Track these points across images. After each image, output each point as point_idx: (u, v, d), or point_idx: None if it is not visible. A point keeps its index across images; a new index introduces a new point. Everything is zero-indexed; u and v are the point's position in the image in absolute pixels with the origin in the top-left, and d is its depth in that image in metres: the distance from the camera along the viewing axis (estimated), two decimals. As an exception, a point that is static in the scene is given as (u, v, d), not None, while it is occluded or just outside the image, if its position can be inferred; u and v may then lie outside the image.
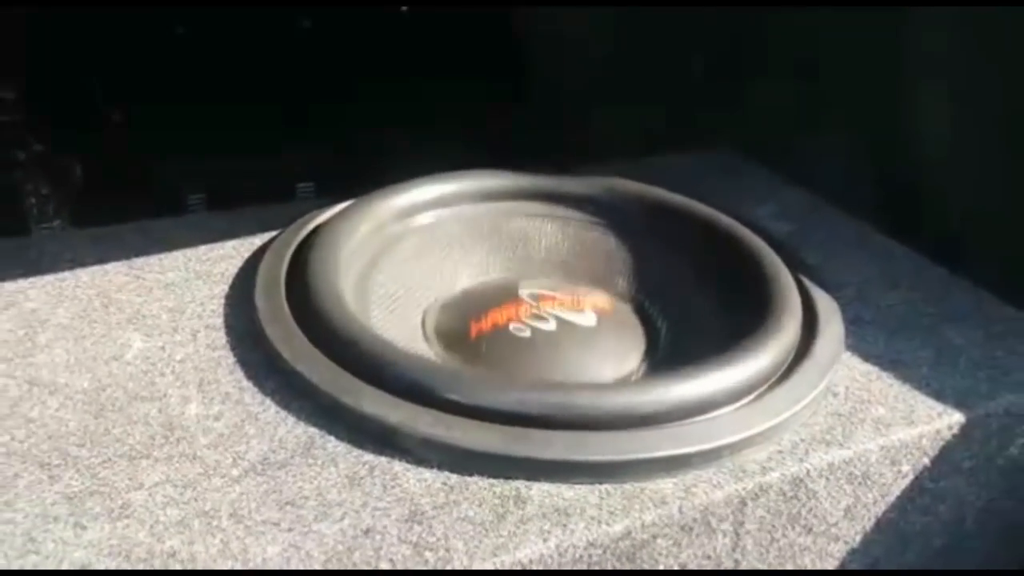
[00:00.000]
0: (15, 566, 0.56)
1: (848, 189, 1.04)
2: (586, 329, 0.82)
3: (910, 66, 0.97)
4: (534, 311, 0.82)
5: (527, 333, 0.80)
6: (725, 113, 1.19)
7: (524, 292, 0.85)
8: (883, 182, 1.03)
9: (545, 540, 0.60)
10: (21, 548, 0.57)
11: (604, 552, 0.61)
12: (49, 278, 0.84)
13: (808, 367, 0.74)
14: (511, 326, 0.81)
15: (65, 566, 0.56)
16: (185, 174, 1.36)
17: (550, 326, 0.81)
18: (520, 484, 0.64)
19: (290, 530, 0.59)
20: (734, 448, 0.66)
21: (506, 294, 0.85)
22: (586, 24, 1.34)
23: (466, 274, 0.89)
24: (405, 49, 1.42)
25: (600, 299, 0.86)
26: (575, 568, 0.60)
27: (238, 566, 0.57)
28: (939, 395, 0.74)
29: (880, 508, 0.72)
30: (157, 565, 0.57)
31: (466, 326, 0.81)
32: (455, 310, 0.84)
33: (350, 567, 0.57)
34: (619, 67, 1.32)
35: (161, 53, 1.35)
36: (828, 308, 0.82)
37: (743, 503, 0.65)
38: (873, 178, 1.04)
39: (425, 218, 0.90)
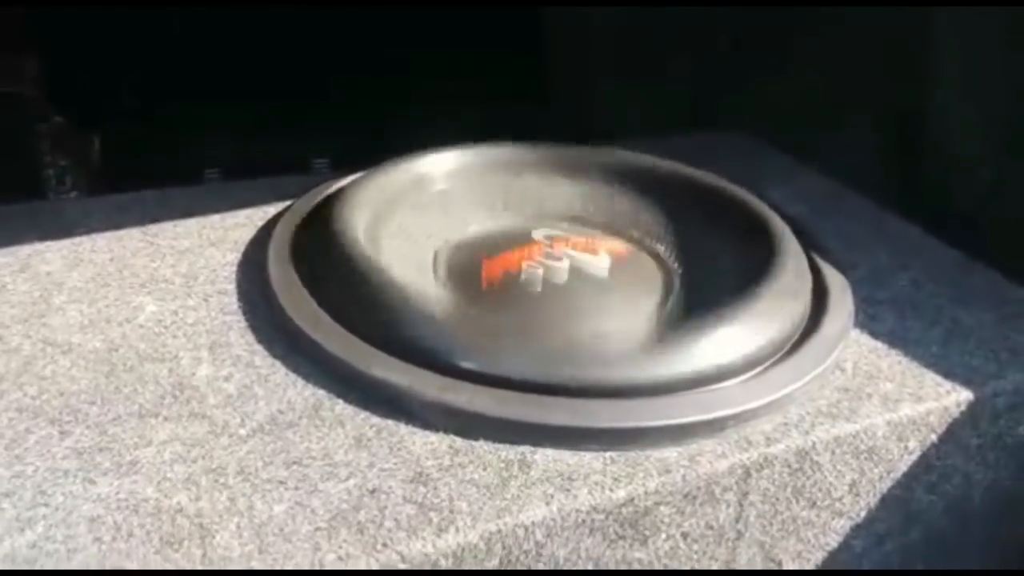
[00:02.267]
0: (25, 517, 0.57)
1: (863, 172, 1.04)
2: (599, 286, 0.82)
3: (930, 48, 0.97)
4: (547, 252, 0.83)
5: (538, 288, 0.80)
6: (743, 97, 1.19)
7: (538, 234, 0.86)
8: (897, 164, 1.03)
9: (548, 504, 0.60)
10: (31, 501, 0.58)
11: (607, 518, 0.61)
12: (65, 242, 0.85)
13: (816, 341, 0.74)
14: (523, 275, 0.81)
15: (74, 519, 0.57)
16: (202, 151, 1.38)
17: (562, 278, 0.82)
18: (525, 449, 0.64)
19: (296, 488, 0.60)
20: (740, 419, 0.67)
21: (520, 238, 0.86)
22: (609, 7, 1.34)
23: (480, 221, 0.90)
24: (425, 30, 1.42)
25: (613, 257, 0.86)
26: (578, 532, 0.61)
27: (244, 522, 0.57)
28: (948, 373, 0.74)
29: (886, 484, 0.72)
30: (165, 520, 0.57)
31: (477, 268, 0.81)
32: (467, 248, 0.84)
33: (355, 525, 0.58)
34: (632, 48, 1.32)
35: (179, 32, 1.36)
36: (839, 285, 0.81)
37: (747, 474, 0.65)
38: (888, 161, 1.04)
39: (439, 185, 0.90)
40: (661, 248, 0.88)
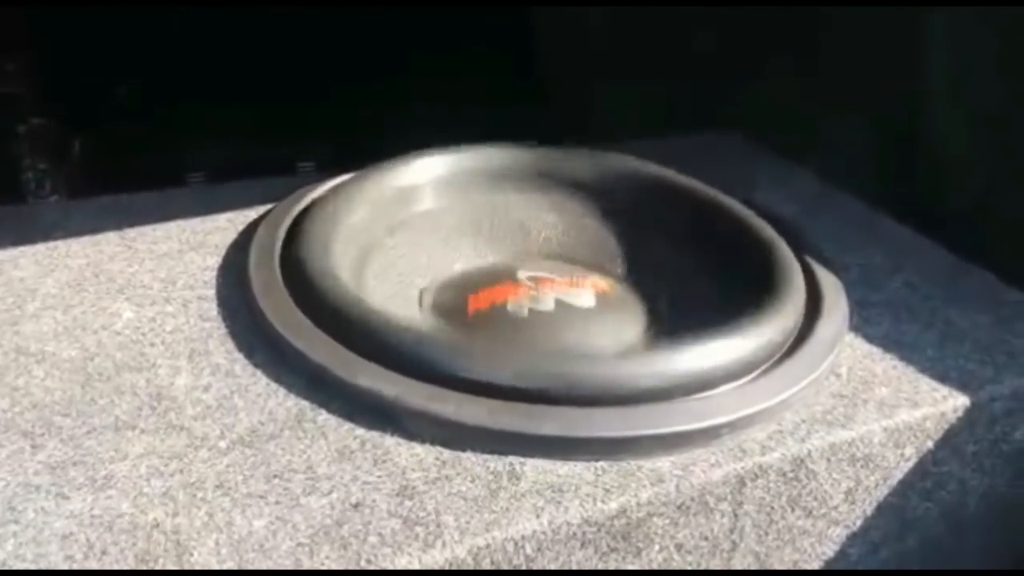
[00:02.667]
0: (-5, 535, 0.55)
1: (856, 173, 1.02)
2: (585, 309, 0.80)
3: (925, 50, 0.96)
4: (532, 292, 0.81)
5: (524, 313, 0.79)
6: (736, 96, 1.18)
7: (522, 274, 0.84)
8: (891, 166, 1.02)
9: (538, 516, 0.58)
10: (1, 517, 0.56)
11: (599, 530, 0.60)
12: (40, 247, 0.83)
13: (811, 347, 0.72)
14: (509, 305, 0.79)
15: (45, 536, 0.55)
16: (189, 154, 1.36)
17: (548, 307, 0.80)
18: (514, 460, 0.62)
19: (277, 503, 0.58)
20: (733, 427, 0.65)
21: (505, 274, 0.84)
22: (607, 7, 1.32)
23: (465, 250, 0.87)
24: (422, 31, 1.40)
25: (599, 280, 0.84)
26: (569, 545, 0.59)
27: (223, 539, 0.56)
28: (944, 378, 0.73)
29: (882, 492, 0.71)
30: (140, 536, 0.55)
31: (463, 303, 0.80)
32: (453, 287, 0.83)
33: (338, 541, 0.56)
34: (629, 48, 1.31)
35: (165, 34, 1.34)
36: (833, 289, 0.80)
37: (742, 483, 0.64)
38: (881, 162, 1.03)
39: (424, 191, 0.89)
40: (649, 265, 0.86)
